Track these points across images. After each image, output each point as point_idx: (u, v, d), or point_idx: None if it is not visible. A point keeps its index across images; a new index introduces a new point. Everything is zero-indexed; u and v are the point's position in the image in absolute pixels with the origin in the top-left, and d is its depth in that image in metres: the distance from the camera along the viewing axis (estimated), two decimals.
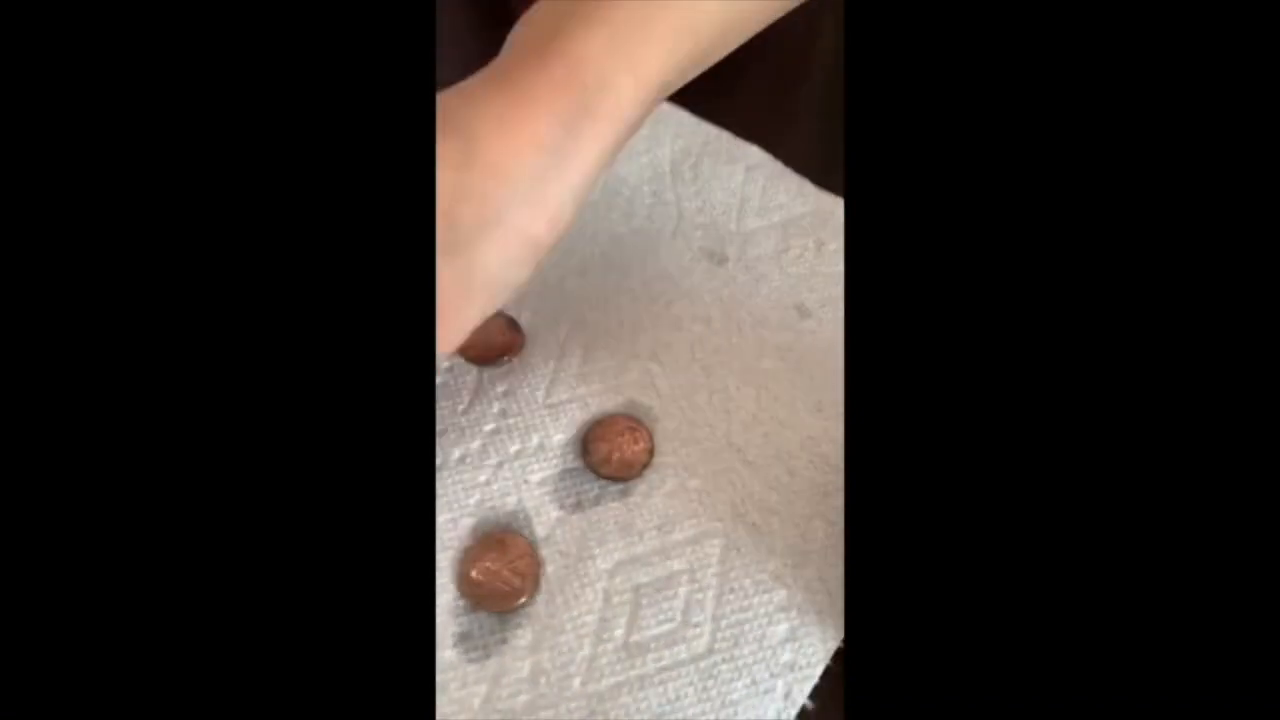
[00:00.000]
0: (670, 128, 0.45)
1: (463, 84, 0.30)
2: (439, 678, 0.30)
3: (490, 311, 0.29)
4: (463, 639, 0.31)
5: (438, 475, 0.34)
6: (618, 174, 0.44)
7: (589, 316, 0.39)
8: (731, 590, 0.32)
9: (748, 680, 0.30)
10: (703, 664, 0.30)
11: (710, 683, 0.30)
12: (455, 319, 0.29)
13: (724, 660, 0.30)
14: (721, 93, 0.45)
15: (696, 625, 0.31)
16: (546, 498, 0.34)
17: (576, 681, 0.30)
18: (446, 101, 0.29)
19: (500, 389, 0.36)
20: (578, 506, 0.34)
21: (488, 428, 0.35)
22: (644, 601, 0.31)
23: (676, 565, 0.32)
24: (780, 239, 0.42)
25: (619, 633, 0.31)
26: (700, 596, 0.32)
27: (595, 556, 0.32)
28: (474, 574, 0.32)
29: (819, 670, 0.31)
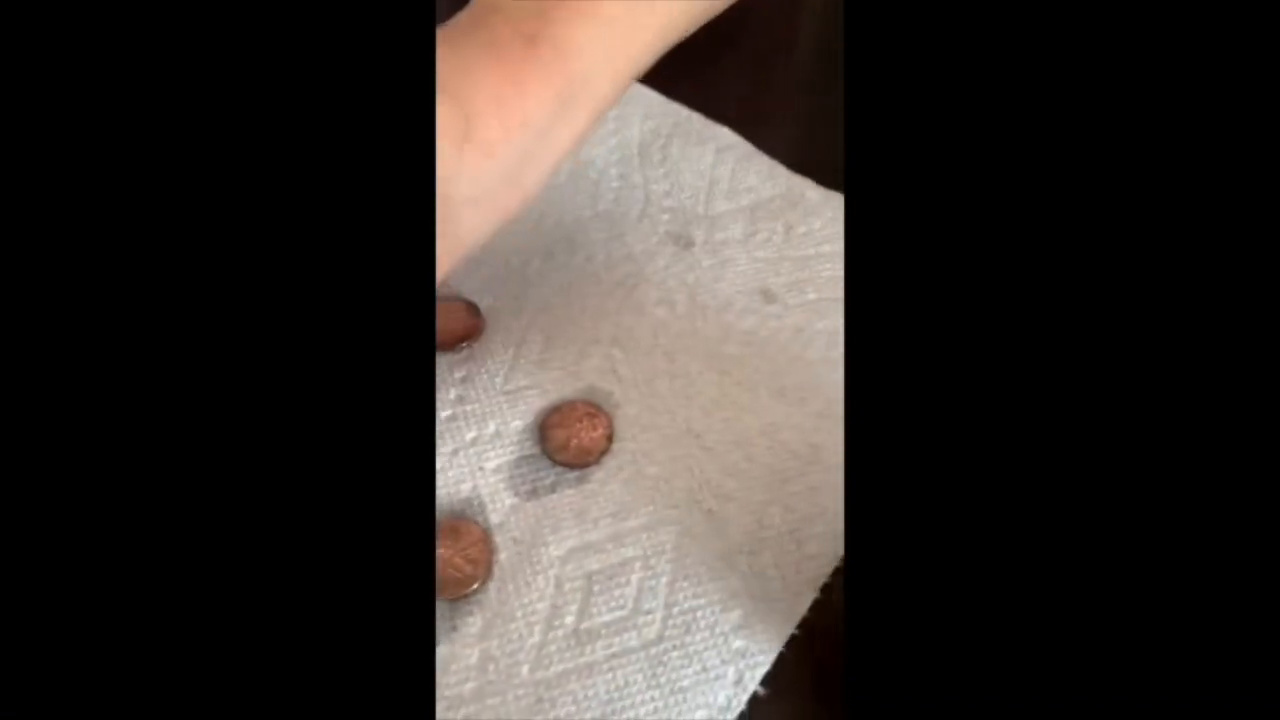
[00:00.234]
0: (640, 108, 0.45)
1: (452, 35, 0.30)
2: None
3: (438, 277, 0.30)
4: None
5: None
6: (585, 156, 0.43)
7: (551, 301, 0.39)
8: (685, 577, 0.32)
9: (698, 667, 0.30)
10: (653, 651, 0.30)
11: (660, 669, 0.30)
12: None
13: (674, 647, 0.30)
14: (698, 71, 0.45)
15: (648, 612, 0.31)
16: (502, 485, 0.34)
17: (525, 669, 0.30)
18: (443, 61, 0.29)
19: (458, 375, 0.36)
20: (533, 494, 0.33)
21: (444, 414, 0.35)
22: (596, 588, 0.31)
23: (630, 552, 0.32)
24: (749, 222, 0.41)
25: (569, 620, 0.31)
26: (653, 583, 0.31)
27: (548, 543, 0.32)
28: None
29: (772, 657, 0.30)
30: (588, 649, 0.30)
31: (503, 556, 0.32)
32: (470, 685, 0.30)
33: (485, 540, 0.32)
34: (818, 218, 0.41)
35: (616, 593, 0.31)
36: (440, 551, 0.32)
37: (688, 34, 0.34)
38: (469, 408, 0.35)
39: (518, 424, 0.35)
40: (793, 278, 0.39)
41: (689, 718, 0.29)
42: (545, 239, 0.40)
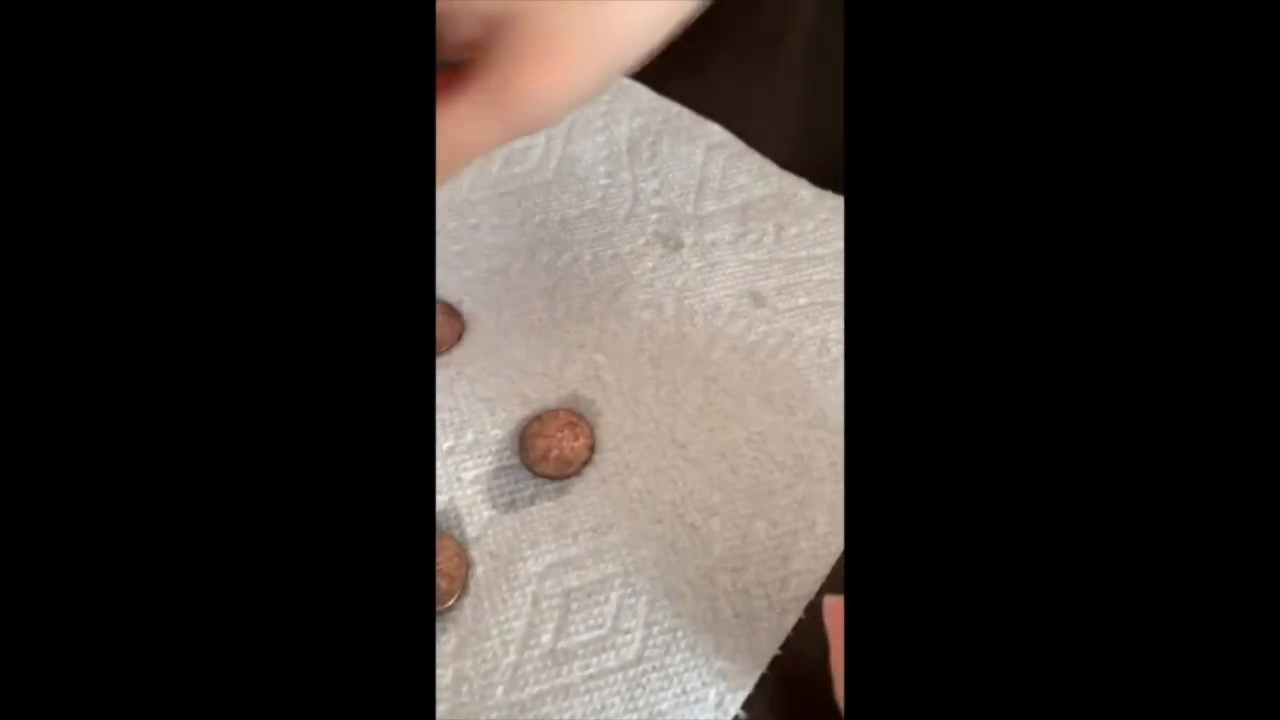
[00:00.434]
0: (629, 104, 0.44)
1: None
2: None
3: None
4: None
5: None
6: (572, 152, 0.42)
7: (534, 304, 0.37)
8: (666, 594, 0.31)
9: (678, 689, 0.29)
10: (631, 672, 0.29)
11: (638, 691, 0.29)
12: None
13: (654, 669, 0.29)
14: (688, 65, 0.44)
15: (627, 632, 0.30)
16: (479, 497, 0.33)
17: (499, 690, 0.29)
18: None
19: (436, 381, 0.35)
20: (511, 506, 0.33)
21: None
22: (574, 606, 0.30)
23: (610, 568, 0.31)
24: (739, 223, 0.40)
25: (546, 639, 0.30)
26: (633, 601, 0.31)
27: (526, 559, 0.31)
28: None
29: (754, 679, 0.29)
30: (565, 670, 0.29)
31: (479, 571, 0.31)
32: (442, 707, 0.29)
33: (461, 554, 0.31)
34: (810, 219, 0.40)
35: (595, 611, 0.30)
36: None
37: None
38: (446, 415, 0.34)
39: (497, 433, 0.34)
40: (783, 281, 0.38)
41: None
42: (529, 238, 0.39)
